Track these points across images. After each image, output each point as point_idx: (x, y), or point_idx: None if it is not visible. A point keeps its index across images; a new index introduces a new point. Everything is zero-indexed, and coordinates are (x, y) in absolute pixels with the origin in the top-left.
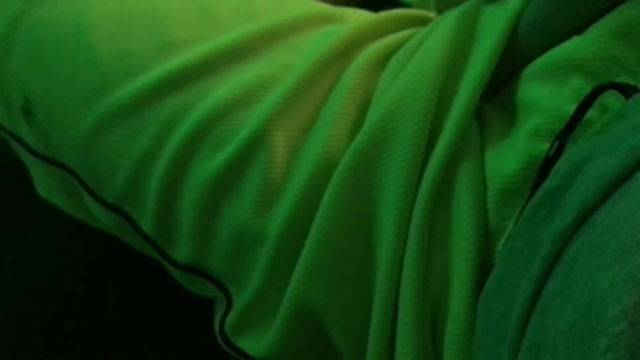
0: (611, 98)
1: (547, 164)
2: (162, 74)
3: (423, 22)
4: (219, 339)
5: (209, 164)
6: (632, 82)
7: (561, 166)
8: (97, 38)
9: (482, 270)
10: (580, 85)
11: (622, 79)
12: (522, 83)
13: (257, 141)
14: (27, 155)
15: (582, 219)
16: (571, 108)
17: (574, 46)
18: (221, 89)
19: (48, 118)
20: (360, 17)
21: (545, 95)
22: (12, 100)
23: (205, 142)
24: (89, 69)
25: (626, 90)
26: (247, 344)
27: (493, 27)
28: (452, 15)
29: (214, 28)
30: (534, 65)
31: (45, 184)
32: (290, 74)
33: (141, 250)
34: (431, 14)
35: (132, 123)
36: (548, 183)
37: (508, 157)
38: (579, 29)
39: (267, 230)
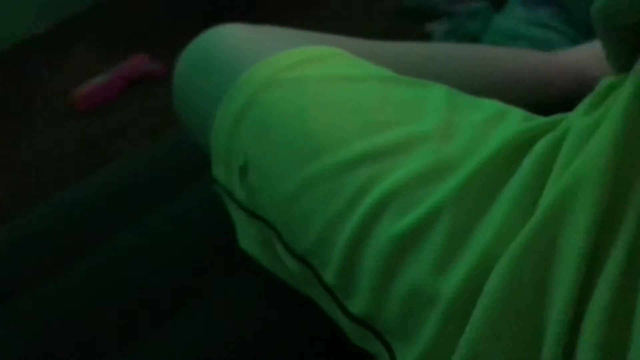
0: None
1: None
2: (362, 148)
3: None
4: None
5: (392, 227)
6: None
7: None
8: (312, 116)
9: None
10: None
11: None
12: None
13: (440, 212)
14: (235, 209)
15: None
16: None
17: None
18: (409, 166)
19: (260, 178)
20: (520, 112)
21: None
22: (233, 161)
23: (390, 210)
24: (302, 140)
25: None
26: None
27: None
28: (623, 98)
29: (408, 116)
30: None
31: (246, 235)
32: (472, 159)
33: (318, 301)
34: None
35: (330, 187)
36: None
37: None
38: None
39: (440, 292)
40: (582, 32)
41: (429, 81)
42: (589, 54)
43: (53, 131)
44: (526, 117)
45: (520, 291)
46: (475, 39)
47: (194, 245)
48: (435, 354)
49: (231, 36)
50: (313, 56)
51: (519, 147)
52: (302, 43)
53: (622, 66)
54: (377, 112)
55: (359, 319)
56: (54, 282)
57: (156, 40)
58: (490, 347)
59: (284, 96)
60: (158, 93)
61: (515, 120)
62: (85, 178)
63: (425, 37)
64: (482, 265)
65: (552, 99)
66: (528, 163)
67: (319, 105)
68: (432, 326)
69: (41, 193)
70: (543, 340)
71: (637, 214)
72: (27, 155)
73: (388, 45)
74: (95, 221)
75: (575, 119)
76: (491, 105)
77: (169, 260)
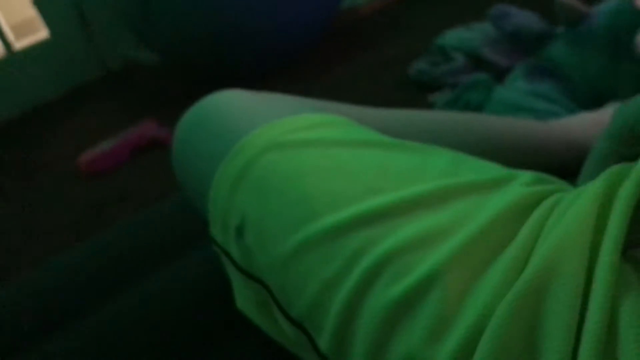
0: None
1: None
2: (359, 212)
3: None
4: None
5: (387, 293)
6: None
7: None
8: (310, 180)
9: None
10: None
11: None
12: None
13: (434, 279)
14: (232, 269)
15: None
16: None
17: None
18: (404, 230)
19: (257, 239)
20: (526, 177)
21: None
22: (230, 221)
23: (385, 273)
24: (299, 204)
25: None
26: None
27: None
28: (604, 175)
29: (407, 183)
30: None
31: (243, 296)
32: (471, 223)
33: None
34: None
35: (325, 251)
36: None
37: None
38: None
39: None
40: (584, 105)
41: (433, 146)
42: (589, 122)
43: (58, 195)
44: (534, 179)
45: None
46: (477, 109)
47: (197, 307)
48: None
49: (231, 101)
50: (315, 123)
51: (521, 211)
52: (303, 110)
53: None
54: (376, 177)
55: None
56: (49, 344)
57: (165, 107)
58: None
59: (284, 159)
60: (165, 159)
61: (520, 183)
62: (85, 242)
63: (429, 107)
64: (475, 334)
65: (550, 165)
66: (526, 227)
67: (318, 170)
68: None
69: (44, 256)
70: None
71: (604, 284)
72: (31, 219)
73: (386, 112)
74: (92, 285)
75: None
76: (497, 169)
77: (172, 322)
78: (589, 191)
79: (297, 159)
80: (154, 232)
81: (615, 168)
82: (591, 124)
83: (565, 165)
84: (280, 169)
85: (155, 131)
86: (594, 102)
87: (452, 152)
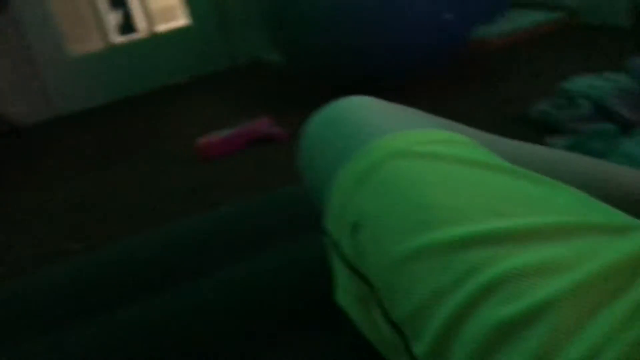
0: None
1: None
2: (481, 230)
3: None
4: None
5: (497, 313)
6: None
7: None
8: (436, 191)
9: None
10: None
11: None
12: None
13: (547, 308)
14: (339, 263)
15: None
16: None
17: None
18: (524, 256)
19: (371, 238)
20: None
21: None
22: (347, 216)
23: (499, 293)
24: (421, 211)
25: None
26: None
27: None
28: None
29: (532, 211)
30: None
31: (345, 290)
32: (593, 262)
33: None
34: None
35: (440, 261)
36: None
37: None
38: None
39: None
40: None
41: (559, 182)
42: None
43: (175, 172)
44: None
45: None
46: (598, 158)
47: (288, 297)
48: None
49: (365, 105)
50: (446, 139)
51: None
52: (434, 125)
53: None
54: (502, 201)
55: None
56: (136, 311)
57: (282, 108)
58: None
59: (413, 166)
60: (274, 154)
61: None
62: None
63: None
64: None
65: None
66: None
67: (445, 183)
68: None
69: (151, 226)
70: None
71: None
72: (140, 194)
73: (513, 143)
74: (185, 263)
75: None
76: (625, 216)
77: (264, 309)
78: None
79: (425, 169)
80: (263, 217)
81: None
82: None
83: None
84: (407, 175)
85: (269, 128)
86: None
87: (578, 191)
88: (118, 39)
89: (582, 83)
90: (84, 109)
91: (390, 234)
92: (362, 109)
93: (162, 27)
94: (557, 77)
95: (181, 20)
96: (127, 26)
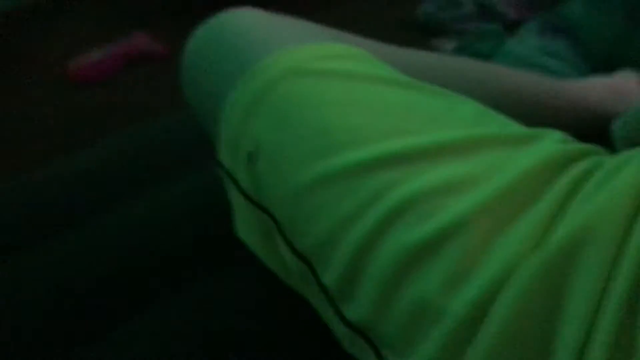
0: None
1: None
2: (383, 151)
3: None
4: None
5: (406, 237)
6: None
7: None
8: (335, 112)
9: None
10: None
11: None
12: None
13: (459, 226)
14: (237, 196)
15: None
16: None
17: None
18: (431, 174)
19: (270, 167)
20: (556, 135)
21: None
22: (242, 146)
23: (405, 217)
24: (322, 134)
25: None
26: None
27: None
28: None
29: (434, 127)
30: None
31: (245, 223)
32: (500, 176)
33: (312, 301)
34: None
35: (344, 187)
36: None
37: None
38: None
39: (447, 310)
40: (596, 67)
41: (456, 93)
42: (602, 86)
43: (46, 101)
44: (563, 139)
45: (528, 322)
46: (485, 60)
47: (188, 231)
48: None
49: (249, 20)
50: (340, 53)
51: (554, 168)
52: (324, 37)
53: None
54: (401, 118)
55: (356, 326)
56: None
57: (159, 21)
58: None
59: (308, 87)
60: (156, 73)
61: (552, 140)
62: (80, 150)
63: (432, 51)
64: (495, 287)
65: (560, 126)
66: (558, 185)
67: (342, 102)
68: (434, 344)
69: (30, 164)
70: None
71: (637, 249)
72: (18, 125)
73: (403, 52)
74: (78, 201)
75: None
76: (520, 126)
77: (161, 244)
78: (637, 162)
79: (320, 89)
80: (150, 147)
81: None
82: (606, 89)
83: (578, 128)
84: (301, 96)
85: (149, 44)
86: (606, 66)
87: (476, 102)
88: None
89: None
90: None
91: (288, 163)
92: (247, 23)
93: None
94: None
95: None
96: None
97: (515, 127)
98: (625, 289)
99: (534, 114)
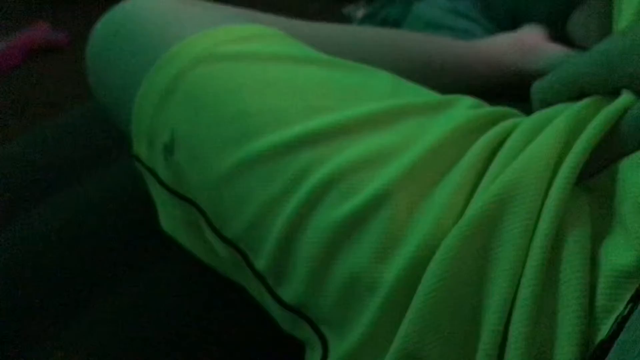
0: None
1: None
2: (302, 131)
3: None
4: None
5: (333, 213)
6: None
7: None
8: (249, 95)
9: (586, 345)
10: None
11: None
12: (625, 171)
13: (382, 198)
14: (158, 189)
15: None
16: None
17: None
18: (352, 149)
19: (188, 157)
20: (468, 101)
21: None
22: (158, 138)
23: (330, 194)
24: (238, 120)
25: None
26: None
27: (598, 120)
28: (569, 112)
29: (351, 102)
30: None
31: (169, 217)
32: (418, 144)
33: (247, 287)
34: None
35: (266, 170)
36: None
37: (620, 242)
38: None
39: (380, 280)
40: (502, 26)
41: (369, 66)
42: (509, 43)
43: None
44: (475, 104)
45: (458, 283)
46: (395, 25)
47: (113, 229)
48: (371, 343)
49: (159, 4)
50: (251, 34)
51: (469, 133)
52: (236, 19)
53: None
54: (318, 96)
55: (292, 306)
56: None
57: (58, 8)
58: (427, 338)
59: (220, 72)
60: (59, 64)
61: (464, 106)
62: None
63: (343, 19)
64: (424, 253)
65: (473, 86)
66: (474, 148)
67: (258, 85)
68: (370, 315)
69: None
70: (481, 329)
71: (555, 207)
72: None
73: (314, 26)
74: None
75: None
76: (434, 93)
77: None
78: (556, 124)
79: (233, 73)
80: (61, 145)
81: (588, 101)
82: (511, 45)
83: (487, 86)
84: (215, 82)
85: (50, 34)
86: (511, 23)
87: (389, 73)
88: None
89: None
90: None
91: (207, 151)
92: (155, 8)
93: None
94: None
95: None
96: None
97: (429, 95)
98: (544, 243)
99: (447, 78)
